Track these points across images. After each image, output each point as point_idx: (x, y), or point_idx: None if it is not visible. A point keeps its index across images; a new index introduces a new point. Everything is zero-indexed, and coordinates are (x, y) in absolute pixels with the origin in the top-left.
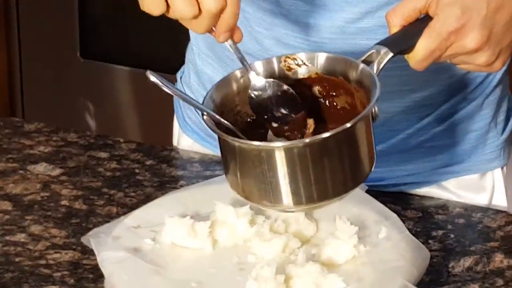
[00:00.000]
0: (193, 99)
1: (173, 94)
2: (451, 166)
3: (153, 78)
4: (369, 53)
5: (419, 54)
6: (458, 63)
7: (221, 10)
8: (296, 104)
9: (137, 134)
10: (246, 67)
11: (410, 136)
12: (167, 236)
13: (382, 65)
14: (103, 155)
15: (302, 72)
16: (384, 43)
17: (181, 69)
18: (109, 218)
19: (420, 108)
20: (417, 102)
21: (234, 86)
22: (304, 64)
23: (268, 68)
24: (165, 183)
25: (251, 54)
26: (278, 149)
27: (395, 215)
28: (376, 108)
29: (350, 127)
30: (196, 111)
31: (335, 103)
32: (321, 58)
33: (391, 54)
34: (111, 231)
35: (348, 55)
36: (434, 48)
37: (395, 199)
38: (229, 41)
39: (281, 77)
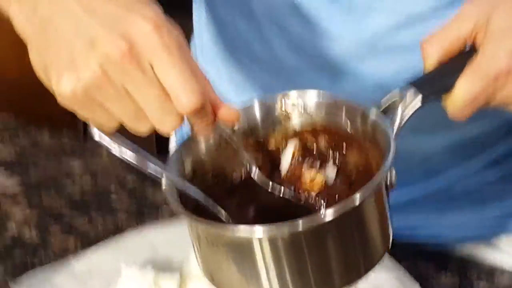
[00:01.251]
0: (151, 157)
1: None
2: (505, 218)
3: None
4: (391, 97)
5: (459, 100)
6: None
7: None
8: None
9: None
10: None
11: (455, 182)
12: None
13: (407, 116)
14: (76, 165)
15: (296, 122)
16: (414, 83)
17: None
18: (63, 252)
19: (469, 148)
20: (465, 139)
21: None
22: (305, 112)
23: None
24: (144, 210)
25: None
26: (259, 239)
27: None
28: (393, 174)
29: (354, 208)
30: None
31: (345, 162)
32: (322, 102)
33: (420, 101)
34: (50, 277)
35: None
36: (478, 92)
37: (427, 256)
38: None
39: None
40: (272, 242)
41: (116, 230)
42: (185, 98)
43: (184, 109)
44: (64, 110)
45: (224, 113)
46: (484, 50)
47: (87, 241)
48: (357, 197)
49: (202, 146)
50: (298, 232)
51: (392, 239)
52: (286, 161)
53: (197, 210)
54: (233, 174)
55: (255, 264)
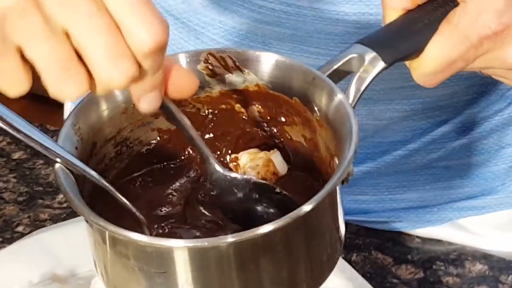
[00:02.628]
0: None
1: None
2: (474, 198)
3: None
4: (345, 57)
5: (430, 65)
6: (493, 76)
7: None
8: None
9: None
10: None
11: (415, 152)
12: None
13: (365, 83)
14: None
15: (233, 81)
16: (371, 42)
17: None
18: None
19: (433, 112)
20: (428, 103)
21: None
22: (238, 68)
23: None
24: (38, 198)
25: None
26: (180, 249)
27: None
28: (351, 166)
29: (304, 215)
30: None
31: (286, 134)
32: (268, 61)
33: (382, 64)
34: None
35: None
36: (455, 58)
37: (385, 243)
38: None
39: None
40: (196, 253)
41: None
42: (146, 31)
43: (144, 45)
44: None
45: (181, 78)
46: (466, 5)
47: None
48: (305, 209)
49: (104, 111)
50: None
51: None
52: None
53: (94, 196)
54: (144, 149)
55: (173, 279)
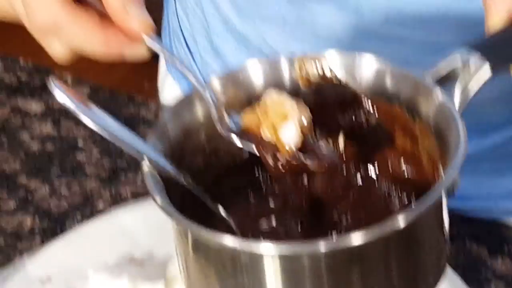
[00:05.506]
0: (127, 131)
1: None
2: None
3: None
4: (450, 64)
5: None
6: None
7: None
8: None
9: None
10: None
11: None
12: None
13: (473, 91)
14: (34, 108)
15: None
16: (479, 47)
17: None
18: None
19: None
20: None
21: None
22: (333, 74)
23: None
24: (120, 174)
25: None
26: (270, 257)
27: None
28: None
29: (399, 231)
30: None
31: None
32: (368, 66)
33: (489, 72)
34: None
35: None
36: None
37: (480, 235)
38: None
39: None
40: (287, 260)
41: (83, 207)
42: None
43: None
44: None
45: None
46: None
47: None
48: (403, 217)
49: (193, 115)
50: (320, 253)
51: None
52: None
53: (183, 201)
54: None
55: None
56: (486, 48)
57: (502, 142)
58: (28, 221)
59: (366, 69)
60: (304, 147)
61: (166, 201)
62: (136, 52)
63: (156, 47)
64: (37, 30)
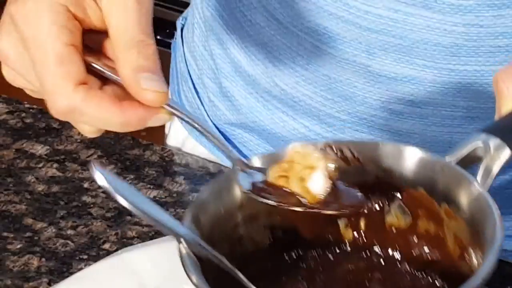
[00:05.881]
0: (164, 213)
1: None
2: None
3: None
4: (471, 147)
5: None
6: None
7: None
8: None
9: None
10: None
11: None
12: None
13: (495, 173)
14: (40, 150)
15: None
16: (495, 130)
17: (184, 13)
18: (22, 279)
19: None
20: None
21: (235, 194)
22: (358, 160)
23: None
24: (126, 215)
25: None
26: None
27: None
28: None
29: None
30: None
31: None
32: (387, 152)
33: (508, 152)
34: None
35: None
36: None
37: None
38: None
39: None
40: None
41: (89, 246)
42: None
43: None
44: None
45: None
46: None
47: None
48: None
49: (227, 198)
50: None
51: None
52: None
53: (216, 282)
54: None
55: None
56: (503, 131)
57: (508, 182)
58: (34, 261)
59: (387, 154)
60: (333, 193)
61: (203, 281)
62: (157, 120)
63: (176, 113)
64: (57, 114)
